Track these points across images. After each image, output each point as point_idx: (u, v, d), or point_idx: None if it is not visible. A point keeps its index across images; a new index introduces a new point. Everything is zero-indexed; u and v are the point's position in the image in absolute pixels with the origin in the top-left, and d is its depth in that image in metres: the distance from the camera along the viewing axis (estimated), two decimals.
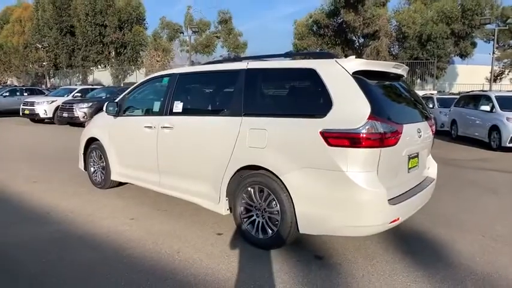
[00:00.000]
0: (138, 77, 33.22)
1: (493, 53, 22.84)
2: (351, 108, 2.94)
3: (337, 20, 25.91)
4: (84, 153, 5.63)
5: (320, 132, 2.95)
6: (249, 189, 3.46)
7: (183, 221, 4.11)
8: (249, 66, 3.67)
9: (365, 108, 2.88)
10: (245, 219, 3.54)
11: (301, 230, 3.15)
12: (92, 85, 20.57)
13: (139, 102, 4.95)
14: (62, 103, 14.86)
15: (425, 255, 3.32)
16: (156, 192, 4.60)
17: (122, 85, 21.17)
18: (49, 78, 41.14)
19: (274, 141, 3.22)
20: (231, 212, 3.71)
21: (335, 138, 2.89)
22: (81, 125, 14.07)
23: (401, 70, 3.63)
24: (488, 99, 10.78)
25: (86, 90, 17.31)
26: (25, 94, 19.41)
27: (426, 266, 3.10)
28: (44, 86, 34.08)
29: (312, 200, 3.03)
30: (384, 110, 3.03)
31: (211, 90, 4.29)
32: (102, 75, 35.25)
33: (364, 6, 23.93)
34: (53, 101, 15.69)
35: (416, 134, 3.41)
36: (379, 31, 24.52)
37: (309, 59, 3.55)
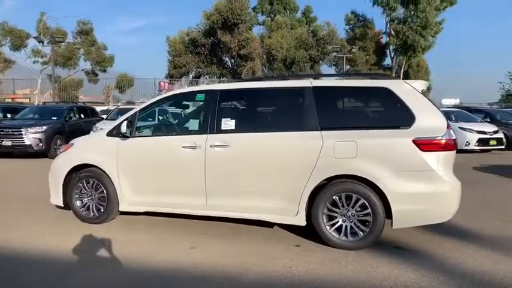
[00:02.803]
0: None
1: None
2: (431, 119, 3.62)
3: (213, 40, 26.98)
4: (64, 185, 4.68)
5: (413, 140, 3.53)
6: (334, 197, 3.74)
7: (247, 241, 4.00)
8: (314, 84, 3.97)
9: (442, 119, 3.63)
10: (329, 227, 3.77)
11: (395, 226, 3.63)
12: None
13: (163, 121, 4.51)
14: None
15: (475, 237, 4.11)
16: (162, 218, 4.42)
17: None
18: None
19: (365, 150, 3.63)
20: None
21: (427, 144, 3.52)
22: (31, 155, 10.49)
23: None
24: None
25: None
26: None
27: (489, 243, 3.91)
28: None
29: (408, 198, 3.55)
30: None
31: (267, 107, 4.33)
32: None
33: (239, 29, 25.77)
34: None
35: None
36: (252, 53, 26.73)
37: (368, 78, 4.09)
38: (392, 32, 35.16)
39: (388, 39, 36.45)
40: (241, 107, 4.39)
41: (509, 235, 4.21)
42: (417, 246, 3.84)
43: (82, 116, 12.94)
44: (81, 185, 4.61)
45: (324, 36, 28.74)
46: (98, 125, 11.08)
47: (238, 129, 4.06)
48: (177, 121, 4.58)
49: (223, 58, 30.62)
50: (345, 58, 27.62)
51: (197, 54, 28.04)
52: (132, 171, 4.37)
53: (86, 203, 4.62)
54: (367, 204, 3.64)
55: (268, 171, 3.91)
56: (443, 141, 3.55)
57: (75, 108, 12.77)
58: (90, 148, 4.69)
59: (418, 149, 3.53)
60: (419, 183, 3.55)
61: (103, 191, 4.51)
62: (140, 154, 4.37)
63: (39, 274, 3.23)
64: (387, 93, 3.76)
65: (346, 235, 3.73)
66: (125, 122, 4.25)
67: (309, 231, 3.97)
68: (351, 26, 38.26)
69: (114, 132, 4.50)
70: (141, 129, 4.48)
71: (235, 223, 4.42)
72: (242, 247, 3.83)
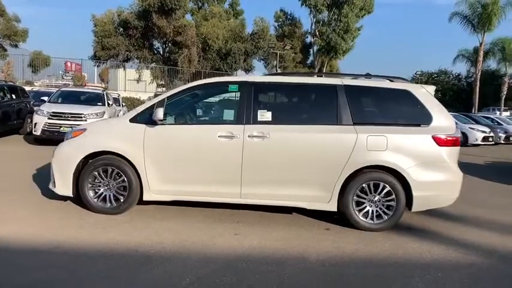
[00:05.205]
0: None
1: (277, 69, 28.90)
2: (444, 119, 4.30)
3: (147, 23, 25.54)
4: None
5: (432, 137, 4.16)
6: (363, 185, 4.20)
7: (283, 226, 4.26)
8: (345, 83, 4.36)
9: (452, 119, 4.34)
10: (358, 212, 4.24)
11: (414, 209, 4.24)
12: None
13: (194, 110, 4.44)
14: None
15: (459, 218, 4.93)
16: (177, 207, 4.47)
17: None
18: None
19: (393, 144, 4.15)
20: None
21: (443, 140, 4.17)
22: None
23: None
24: None
25: None
26: None
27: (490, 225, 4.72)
28: None
29: (426, 186, 4.18)
30: None
31: (302, 101, 4.55)
32: None
33: (176, 14, 24.89)
34: None
35: None
36: (188, 41, 26.05)
37: (385, 80, 4.62)
38: (317, 33, 37.53)
39: (313, 39, 38.80)
40: (276, 100, 4.58)
41: (479, 216, 5.16)
42: (424, 226, 4.52)
43: (13, 96, 11.40)
44: (96, 173, 4.34)
45: (258, 31, 29.35)
46: (42, 107, 9.91)
47: (274, 120, 4.26)
48: (208, 110, 4.54)
49: (155, 43, 29.25)
50: (278, 54, 28.65)
51: (128, 37, 26.30)
52: (161, 159, 4.27)
53: (102, 193, 4.36)
54: (392, 191, 4.18)
55: (305, 161, 4.20)
56: (455, 138, 4.26)
57: (5, 88, 11.16)
58: (110, 134, 4.41)
59: (436, 144, 4.17)
60: (435, 172, 4.21)
61: (124, 180, 4.32)
62: (171, 142, 4.28)
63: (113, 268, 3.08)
64: (408, 95, 4.34)
65: (372, 218, 4.24)
66: (160, 109, 4.11)
67: (327, 215, 4.43)
68: (279, 24, 39.75)
69: (139, 119, 4.33)
70: (169, 116, 4.35)
71: (250, 211, 4.63)
72: (283, 232, 4.08)
